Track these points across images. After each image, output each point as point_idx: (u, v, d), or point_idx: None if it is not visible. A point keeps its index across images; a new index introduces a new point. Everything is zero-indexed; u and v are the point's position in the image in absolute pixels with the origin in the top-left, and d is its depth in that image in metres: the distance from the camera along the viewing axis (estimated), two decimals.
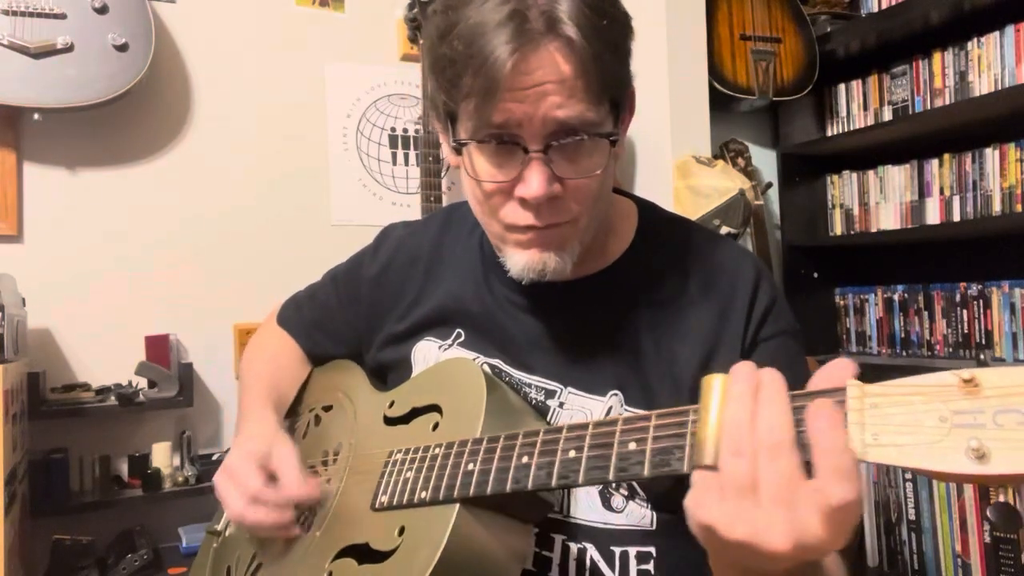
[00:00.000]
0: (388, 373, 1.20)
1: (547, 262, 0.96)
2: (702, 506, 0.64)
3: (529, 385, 1.05)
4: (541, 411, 1.02)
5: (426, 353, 1.14)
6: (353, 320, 1.28)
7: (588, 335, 1.05)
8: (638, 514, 0.99)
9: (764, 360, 0.99)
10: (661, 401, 0.99)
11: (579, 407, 1.02)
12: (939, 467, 0.52)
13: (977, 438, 0.51)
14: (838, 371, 0.63)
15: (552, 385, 1.04)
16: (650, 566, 0.98)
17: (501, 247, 1.00)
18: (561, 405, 1.03)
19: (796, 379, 1.02)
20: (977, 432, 0.52)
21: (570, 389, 1.03)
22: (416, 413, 1.03)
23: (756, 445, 0.62)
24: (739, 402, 0.64)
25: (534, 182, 0.88)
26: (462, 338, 1.12)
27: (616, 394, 1.01)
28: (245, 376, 1.34)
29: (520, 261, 0.97)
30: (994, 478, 0.51)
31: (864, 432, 0.57)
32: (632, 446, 0.72)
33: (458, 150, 0.94)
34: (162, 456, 2.28)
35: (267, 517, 1.02)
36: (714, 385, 0.67)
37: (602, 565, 0.98)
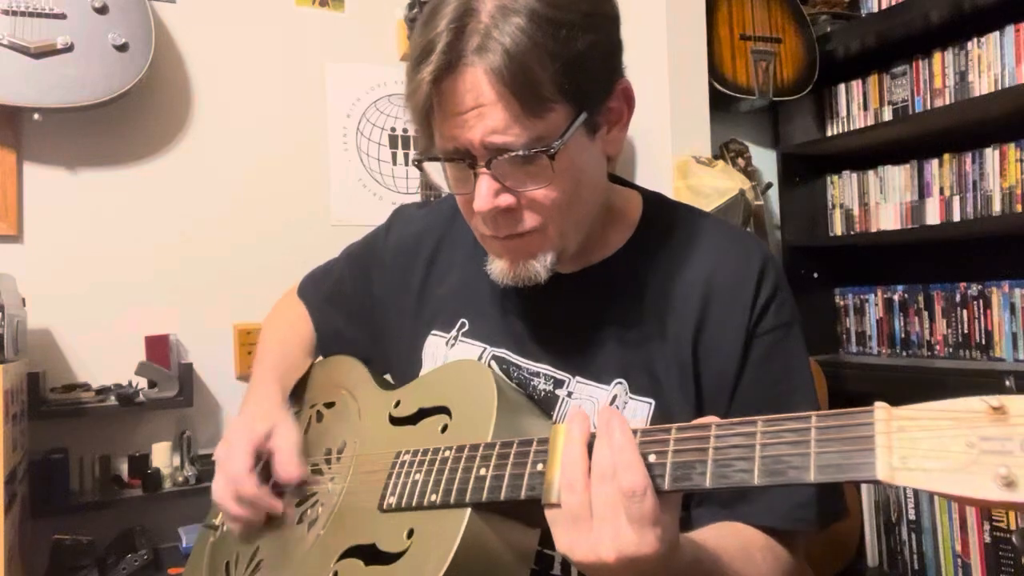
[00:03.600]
0: (395, 368, 1.21)
1: (518, 271, 0.98)
2: (556, 537, 0.75)
3: (537, 374, 1.05)
4: (550, 402, 1.03)
5: (434, 350, 1.14)
6: (365, 299, 1.29)
7: (593, 324, 1.05)
8: None
9: (763, 353, 1.01)
10: (667, 388, 1.00)
11: (587, 396, 1.03)
12: (968, 493, 0.52)
13: (1006, 465, 0.51)
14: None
15: (560, 375, 1.04)
16: None
17: (486, 251, 1.04)
18: (570, 395, 1.03)
19: (792, 373, 1.03)
20: (1006, 459, 0.52)
21: (578, 378, 1.04)
22: (424, 414, 1.03)
23: (588, 479, 0.73)
24: (572, 444, 0.75)
25: (479, 196, 0.92)
26: (466, 328, 1.12)
27: (620, 382, 1.02)
28: (263, 341, 1.37)
29: (495, 268, 1.01)
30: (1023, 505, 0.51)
31: (892, 455, 0.57)
32: (652, 459, 0.72)
33: (418, 166, 0.99)
34: (162, 456, 2.28)
35: (242, 512, 1.09)
36: (559, 433, 0.77)
37: None
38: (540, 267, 0.98)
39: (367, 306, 1.29)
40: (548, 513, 0.76)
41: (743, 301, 1.02)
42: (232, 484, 1.08)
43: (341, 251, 1.39)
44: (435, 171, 0.99)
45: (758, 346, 1.01)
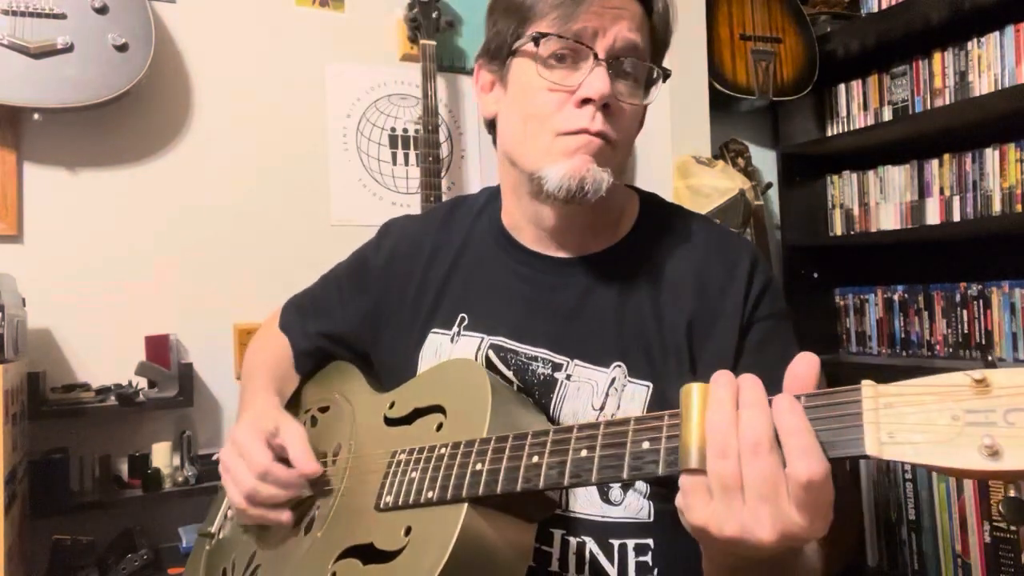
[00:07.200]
0: (394, 370, 1.20)
1: (590, 171, 1.00)
2: (692, 508, 0.68)
3: (536, 358, 1.07)
4: (549, 385, 1.05)
5: (437, 348, 1.15)
6: (360, 316, 1.28)
7: (593, 309, 1.08)
8: (636, 506, 1.01)
9: (760, 339, 1.04)
10: (664, 372, 1.03)
11: (585, 379, 1.04)
12: (954, 464, 0.54)
13: (990, 435, 0.53)
14: (804, 366, 0.68)
15: (559, 358, 1.06)
16: (648, 558, 1.00)
17: (542, 164, 1.03)
18: (568, 377, 1.05)
19: (788, 360, 1.05)
20: (989, 430, 0.53)
21: (576, 361, 1.05)
22: (418, 414, 1.03)
23: (739, 446, 0.65)
24: (721, 407, 0.68)
25: (598, 81, 0.98)
26: (466, 322, 1.13)
27: (619, 365, 1.04)
28: (248, 368, 1.35)
29: (562, 170, 1.00)
30: (1007, 474, 0.53)
31: (880, 431, 0.58)
32: (646, 445, 0.73)
33: (535, 41, 1.01)
34: (162, 456, 2.27)
35: (278, 494, 1.04)
36: (694, 393, 0.70)
37: (601, 558, 1.00)
38: (605, 178, 1.01)
39: (362, 322, 1.27)
40: (685, 479, 0.69)
41: (737, 290, 1.05)
42: (263, 472, 1.04)
43: (324, 276, 1.37)
44: (532, 58, 1.03)
45: (755, 332, 1.04)
